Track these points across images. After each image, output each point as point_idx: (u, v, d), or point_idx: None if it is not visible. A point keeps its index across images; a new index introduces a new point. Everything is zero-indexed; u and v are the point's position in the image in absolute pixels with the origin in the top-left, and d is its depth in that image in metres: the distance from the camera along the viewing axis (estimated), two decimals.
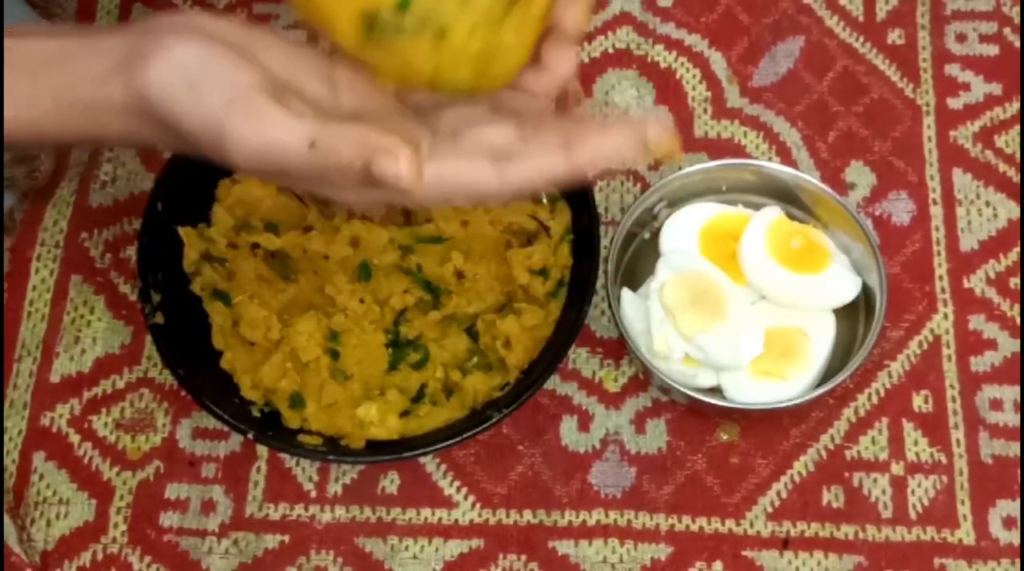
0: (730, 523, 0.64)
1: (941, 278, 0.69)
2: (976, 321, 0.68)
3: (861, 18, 0.76)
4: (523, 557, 0.63)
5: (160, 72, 0.44)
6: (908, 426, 0.66)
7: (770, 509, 0.64)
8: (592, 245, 0.62)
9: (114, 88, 0.45)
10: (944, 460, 0.65)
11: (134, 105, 0.45)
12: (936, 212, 0.71)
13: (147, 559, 0.63)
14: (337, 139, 0.43)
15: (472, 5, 0.44)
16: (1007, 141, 0.73)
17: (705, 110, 0.74)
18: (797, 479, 0.65)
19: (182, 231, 0.63)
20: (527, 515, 0.64)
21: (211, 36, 0.45)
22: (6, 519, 0.63)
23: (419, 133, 0.45)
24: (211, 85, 0.44)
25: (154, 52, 0.44)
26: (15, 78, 0.46)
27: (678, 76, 0.75)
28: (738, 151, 0.73)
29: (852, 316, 0.65)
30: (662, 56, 0.76)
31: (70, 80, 0.46)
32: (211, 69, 0.44)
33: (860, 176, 0.72)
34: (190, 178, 0.63)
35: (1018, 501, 0.64)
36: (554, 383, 0.67)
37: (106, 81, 0.45)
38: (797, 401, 0.62)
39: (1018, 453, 0.65)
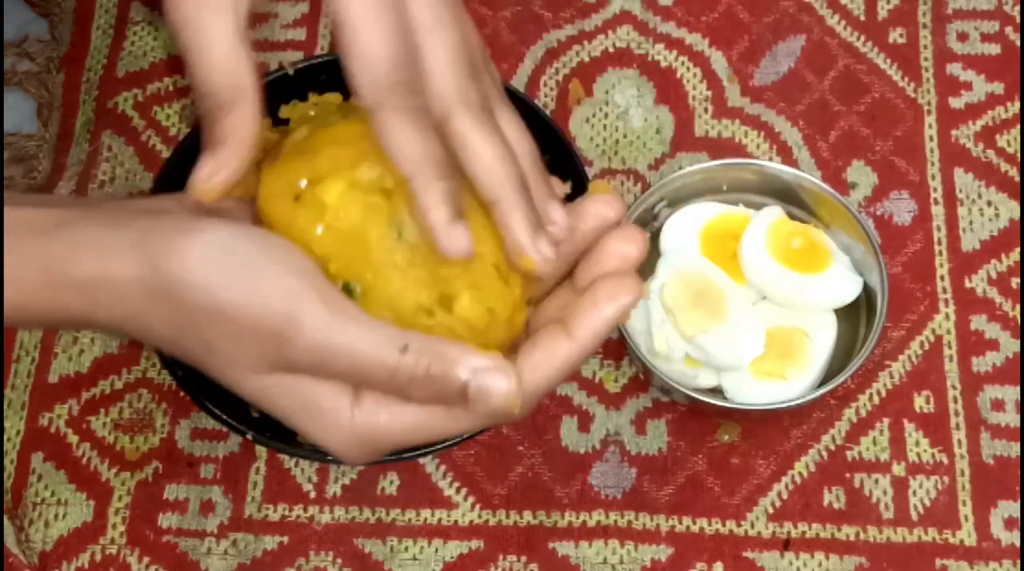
0: (731, 524, 0.64)
1: (943, 278, 0.69)
2: (978, 321, 0.68)
3: (862, 17, 0.76)
4: (523, 558, 0.63)
5: (202, 255, 0.38)
6: (909, 427, 0.66)
7: (771, 510, 0.64)
8: None
9: (126, 263, 0.39)
10: (945, 461, 0.65)
11: (152, 284, 0.39)
12: (938, 212, 0.71)
13: (146, 560, 0.63)
14: (433, 344, 0.39)
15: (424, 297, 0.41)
16: (1009, 141, 0.73)
17: (706, 109, 0.74)
18: (798, 480, 0.65)
19: None
20: (527, 516, 0.64)
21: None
22: (5, 520, 0.63)
23: None
24: (267, 271, 0.38)
25: (189, 233, 0.39)
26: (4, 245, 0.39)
27: (679, 75, 0.75)
28: (739, 151, 0.73)
29: (853, 316, 0.65)
30: (663, 55, 0.75)
31: (66, 249, 0.39)
32: (265, 252, 0.39)
33: (861, 176, 0.72)
34: (189, 177, 0.63)
35: (1020, 502, 0.64)
36: None
37: (116, 254, 0.39)
38: (798, 401, 0.62)
39: (1020, 454, 0.65)
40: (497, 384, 0.39)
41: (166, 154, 0.72)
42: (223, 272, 0.38)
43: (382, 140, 0.41)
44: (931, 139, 0.73)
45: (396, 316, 0.41)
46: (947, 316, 0.68)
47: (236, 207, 0.43)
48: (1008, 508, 0.64)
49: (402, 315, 0.41)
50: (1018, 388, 0.66)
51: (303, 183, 0.42)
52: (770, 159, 0.72)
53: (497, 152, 0.42)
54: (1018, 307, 0.68)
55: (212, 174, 0.42)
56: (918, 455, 0.65)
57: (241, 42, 0.42)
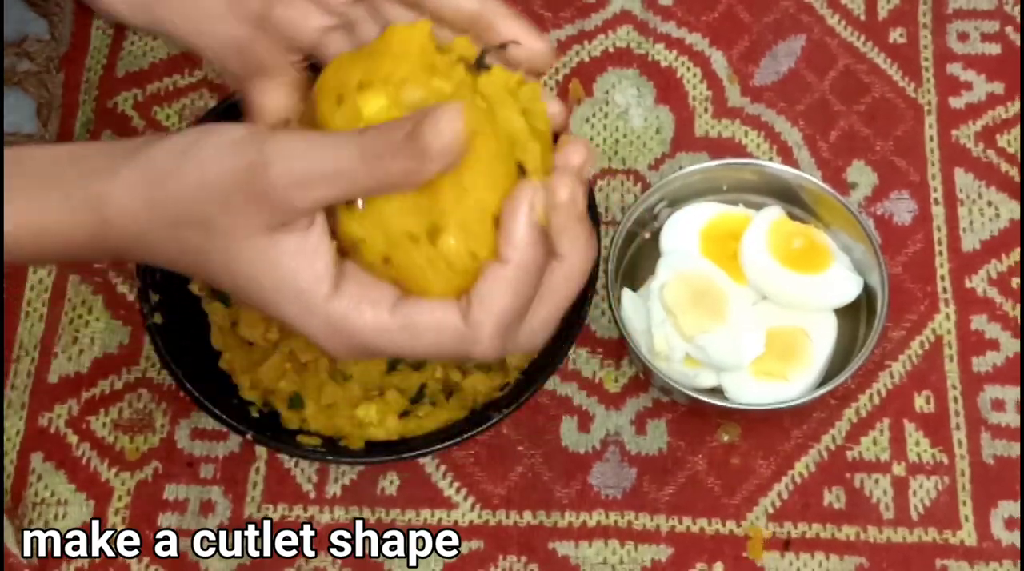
0: (731, 524, 0.64)
1: (943, 278, 0.69)
2: (978, 321, 0.68)
3: (863, 17, 0.76)
4: (523, 558, 0.63)
5: (169, 153, 0.42)
6: (910, 427, 0.66)
7: (771, 510, 0.64)
8: None
9: (133, 189, 0.43)
10: (946, 461, 0.65)
11: (153, 199, 0.43)
12: (938, 212, 0.71)
13: (145, 560, 0.63)
14: (384, 124, 0.41)
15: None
16: (1009, 140, 0.73)
17: (706, 109, 0.74)
18: (798, 480, 0.65)
19: None
20: (527, 516, 0.64)
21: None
22: (5, 520, 0.63)
23: None
24: (219, 144, 0.42)
25: (158, 141, 0.43)
26: (18, 182, 0.43)
27: (679, 75, 0.75)
28: (739, 150, 0.73)
29: (853, 316, 0.65)
30: (663, 55, 0.75)
31: (81, 173, 0.43)
32: (214, 133, 0.43)
33: (861, 176, 0.72)
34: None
35: (1020, 502, 0.64)
36: (554, 383, 0.67)
37: (121, 181, 0.43)
38: (798, 401, 0.62)
39: (1020, 453, 0.65)
40: (440, 113, 0.40)
41: None
42: (199, 164, 0.42)
43: None
44: (931, 139, 0.73)
45: (384, 236, 0.42)
46: (947, 316, 0.68)
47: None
48: (1008, 508, 0.64)
49: (390, 236, 0.42)
50: (1018, 388, 0.66)
51: (356, 85, 0.43)
52: (770, 159, 0.72)
53: None
54: (1018, 307, 0.68)
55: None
56: (918, 455, 0.65)
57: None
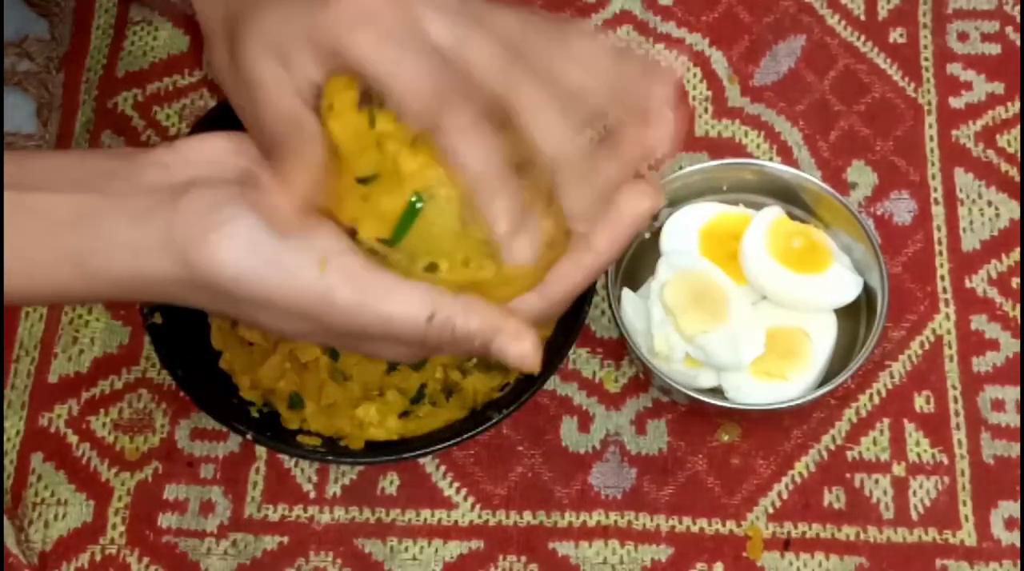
0: (731, 524, 0.64)
1: (943, 278, 0.69)
2: (978, 321, 0.68)
3: (863, 17, 0.76)
4: (523, 558, 0.63)
5: (231, 254, 0.41)
6: (910, 427, 0.66)
7: (771, 510, 0.64)
8: None
9: (161, 262, 0.42)
10: (946, 461, 0.65)
11: (190, 280, 0.42)
12: (938, 212, 0.71)
13: (145, 560, 0.63)
14: (458, 313, 0.43)
15: (468, 239, 0.44)
16: (1009, 140, 0.73)
17: (706, 109, 0.74)
18: (798, 480, 0.65)
19: None
20: (527, 516, 0.64)
21: (257, 183, 0.42)
22: (4, 520, 0.63)
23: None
24: (294, 260, 0.42)
25: (214, 230, 0.42)
26: (29, 235, 0.42)
27: (678, 75, 0.75)
28: (739, 150, 0.73)
29: (853, 316, 0.65)
30: (663, 55, 0.75)
31: (97, 246, 0.42)
32: (288, 239, 0.42)
33: (861, 176, 0.72)
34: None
35: (1020, 502, 0.64)
36: (554, 383, 0.67)
37: (149, 254, 0.42)
38: (798, 401, 0.62)
39: (1020, 454, 0.65)
40: (512, 348, 0.44)
41: None
42: (254, 268, 0.42)
43: (449, 160, 0.43)
44: (931, 139, 0.73)
45: (438, 248, 0.44)
46: (947, 316, 0.68)
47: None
48: (1008, 508, 0.64)
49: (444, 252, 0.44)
50: (1018, 388, 0.66)
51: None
52: (770, 159, 0.72)
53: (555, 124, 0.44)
54: (1018, 307, 0.68)
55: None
56: (918, 455, 0.65)
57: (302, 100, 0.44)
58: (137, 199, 0.43)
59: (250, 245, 0.42)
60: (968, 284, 0.69)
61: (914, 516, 0.64)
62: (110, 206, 0.43)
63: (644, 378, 0.67)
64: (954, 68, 0.75)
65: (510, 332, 0.44)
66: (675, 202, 0.67)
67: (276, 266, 0.42)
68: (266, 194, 0.41)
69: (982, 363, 0.67)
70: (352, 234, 0.44)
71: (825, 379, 0.63)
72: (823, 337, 0.64)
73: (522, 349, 0.44)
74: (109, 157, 0.46)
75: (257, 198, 0.42)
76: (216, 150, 0.46)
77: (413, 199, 0.43)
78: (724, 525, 0.64)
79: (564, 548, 0.63)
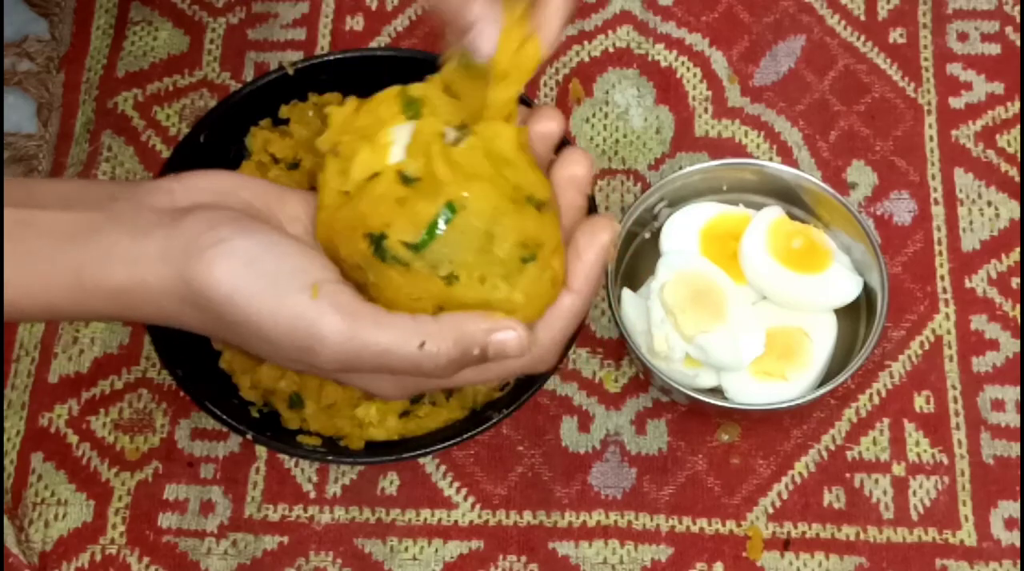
0: (731, 524, 0.64)
1: (943, 278, 0.69)
2: (978, 321, 0.68)
3: (862, 17, 0.76)
4: (523, 558, 0.63)
5: (227, 270, 0.42)
6: (909, 427, 0.66)
7: (771, 510, 0.64)
8: None
9: (158, 274, 0.42)
10: (946, 461, 0.65)
11: (185, 295, 0.43)
12: (938, 212, 0.71)
13: (146, 560, 0.63)
14: (445, 337, 0.43)
15: (488, 256, 0.44)
16: (1009, 140, 0.73)
17: (706, 109, 0.74)
18: (798, 480, 0.65)
19: None
20: (527, 516, 0.64)
21: (257, 215, 0.44)
22: (4, 520, 0.63)
23: None
24: (288, 285, 0.42)
25: (213, 246, 0.42)
26: (27, 248, 0.42)
27: (679, 75, 0.75)
28: (739, 150, 0.73)
29: (853, 316, 0.65)
30: (663, 55, 0.75)
31: (96, 256, 0.43)
32: (284, 262, 0.43)
33: (861, 176, 0.72)
34: None
35: (1020, 502, 0.64)
36: (554, 383, 0.67)
37: (147, 264, 0.43)
38: (798, 401, 0.62)
39: (1020, 454, 0.65)
40: (508, 338, 0.44)
41: (166, 154, 0.72)
42: (249, 286, 0.42)
43: None
44: (931, 139, 0.73)
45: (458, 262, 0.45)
46: (947, 316, 0.68)
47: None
48: (1008, 508, 0.64)
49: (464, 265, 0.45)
50: (1018, 388, 0.66)
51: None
52: (770, 159, 0.72)
53: None
54: (1018, 307, 0.68)
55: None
56: (918, 455, 0.65)
57: None
58: (139, 216, 0.43)
59: (246, 264, 0.42)
60: (968, 284, 0.69)
61: (914, 516, 0.64)
62: (111, 222, 0.43)
63: (644, 378, 0.67)
64: (954, 68, 0.75)
65: (502, 327, 0.44)
66: (675, 202, 0.67)
67: (269, 288, 0.42)
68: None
69: (982, 363, 0.67)
70: (376, 241, 0.45)
71: (825, 379, 0.63)
72: (823, 337, 0.64)
73: (520, 336, 0.44)
74: (115, 183, 0.47)
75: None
76: (222, 182, 0.47)
77: (446, 207, 0.44)
78: (724, 525, 0.64)
79: (564, 548, 0.63)
